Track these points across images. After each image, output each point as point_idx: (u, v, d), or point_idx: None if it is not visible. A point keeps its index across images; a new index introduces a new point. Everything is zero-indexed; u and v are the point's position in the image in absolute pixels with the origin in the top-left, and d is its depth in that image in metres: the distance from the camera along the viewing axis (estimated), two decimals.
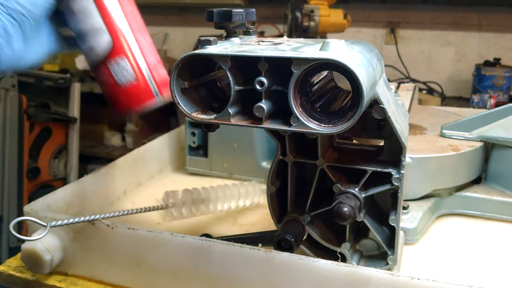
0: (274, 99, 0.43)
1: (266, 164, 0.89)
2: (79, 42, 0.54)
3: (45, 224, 0.51)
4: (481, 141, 0.79)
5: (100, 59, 0.52)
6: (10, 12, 0.44)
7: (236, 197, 0.76)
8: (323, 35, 1.73)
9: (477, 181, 0.81)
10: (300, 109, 0.42)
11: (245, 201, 0.77)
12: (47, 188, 2.23)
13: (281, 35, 2.18)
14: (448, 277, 0.55)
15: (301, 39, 0.51)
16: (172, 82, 0.44)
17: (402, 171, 0.52)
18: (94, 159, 2.66)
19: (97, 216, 0.55)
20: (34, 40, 0.47)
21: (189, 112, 0.45)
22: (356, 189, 0.54)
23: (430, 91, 2.22)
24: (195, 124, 0.93)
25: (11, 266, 0.62)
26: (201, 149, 0.96)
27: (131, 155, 0.87)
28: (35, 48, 0.48)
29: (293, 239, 0.54)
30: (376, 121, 0.54)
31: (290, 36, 1.70)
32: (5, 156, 2.09)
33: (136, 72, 0.54)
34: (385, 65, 0.57)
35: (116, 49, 0.52)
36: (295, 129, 0.42)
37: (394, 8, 2.38)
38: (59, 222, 0.53)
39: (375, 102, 0.46)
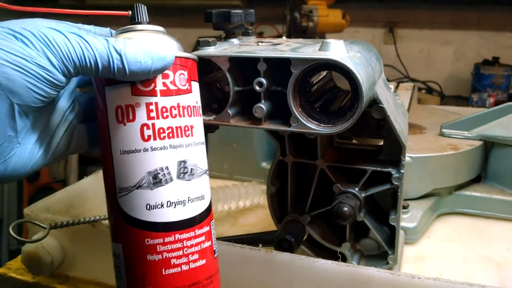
0: (274, 100, 0.43)
1: (266, 165, 0.89)
2: None
3: (45, 226, 0.51)
4: (480, 140, 0.79)
5: None
6: None
7: (236, 197, 0.76)
8: (322, 35, 1.73)
9: (477, 180, 0.81)
10: (300, 109, 0.42)
11: (245, 202, 0.77)
12: (47, 190, 2.23)
13: (280, 36, 2.19)
14: (449, 276, 0.55)
15: (300, 40, 0.51)
16: None
17: (402, 171, 0.52)
18: (93, 161, 2.66)
19: (97, 218, 0.55)
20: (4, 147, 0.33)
21: None
22: (356, 189, 0.54)
23: (429, 90, 2.22)
24: None
25: (12, 268, 0.62)
26: None
27: None
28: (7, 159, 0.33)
29: (293, 239, 0.54)
30: (375, 121, 0.54)
31: (289, 36, 1.70)
32: None
33: None
34: (384, 65, 0.57)
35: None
36: (295, 129, 0.42)
37: (393, 7, 2.38)
38: (59, 224, 0.53)
39: (375, 102, 0.46)
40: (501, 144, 0.77)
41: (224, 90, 0.49)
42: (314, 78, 0.48)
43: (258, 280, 0.51)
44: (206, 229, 0.38)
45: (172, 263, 0.35)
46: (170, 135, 0.36)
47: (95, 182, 0.75)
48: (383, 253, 0.58)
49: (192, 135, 0.37)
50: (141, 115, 0.35)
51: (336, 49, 0.40)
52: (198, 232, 0.37)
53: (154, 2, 2.76)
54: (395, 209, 0.54)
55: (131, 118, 0.35)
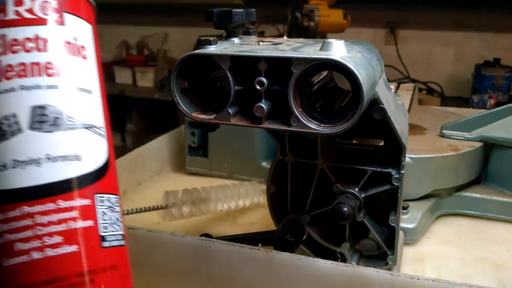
0: (274, 99, 0.43)
1: (266, 164, 0.89)
2: None
3: None
4: (481, 141, 0.79)
5: None
6: None
7: (236, 197, 0.76)
8: (323, 35, 1.73)
9: (477, 181, 0.81)
10: (300, 109, 0.42)
11: (245, 201, 0.77)
12: None
13: (281, 35, 2.18)
14: (448, 277, 0.55)
15: (301, 39, 0.51)
16: (172, 82, 0.44)
17: (402, 171, 0.52)
18: None
19: None
20: None
21: (189, 112, 0.45)
22: (356, 189, 0.54)
23: (430, 91, 2.22)
24: (195, 124, 0.93)
25: None
26: (201, 149, 0.96)
27: (131, 155, 0.87)
28: None
29: (293, 239, 0.54)
30: (376, 121, 0.54)
31: (290, 36, 1.70)
32: None
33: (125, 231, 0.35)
34: (385, 65, 0.57)
35: (111, 174, 0.33)
36: (295, 129, 0.42)
37: (394, 8, 2.38)
38: None
39: (375, 102, 0.46)
40: (502, 145, 0.77)
41: (225, 89, 0.49)
42: (315, 78, 0.48)
43: (257, 279, 0.51)
44: (81, 202, 0.28)
45: (16, 249, 0.26)
46: (22, 73, 0.28)
47: None
48: (382, 254, 0.58)
49: (59, 75, 0.29)
50: None
51: (337, 49, 0.40)
52: (63, 204, 0.27)
53: (155, 1, 2.76)
54: (395, 209, 0.54)
55: None
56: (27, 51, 0.28)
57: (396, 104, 0.55)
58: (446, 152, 0.74)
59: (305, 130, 0.42)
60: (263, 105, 0.42)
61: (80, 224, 0.27)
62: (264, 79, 0.41)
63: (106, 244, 0.29)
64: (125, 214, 0.60)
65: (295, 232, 0.56)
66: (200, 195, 0.71)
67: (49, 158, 0.27)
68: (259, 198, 0.78)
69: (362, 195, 0.54)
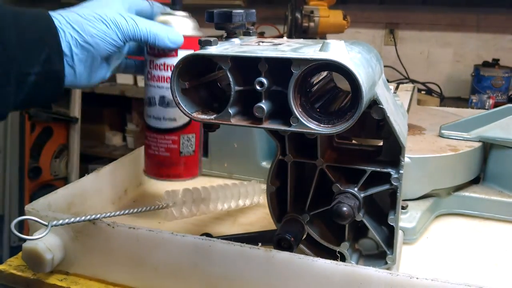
0: (274, 100, 0.44)
1: (266, 164, 0.89)
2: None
3: (46, 223, 0.52)
4: (479, 141, 0.79)
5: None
6: (82, 45, 0.57)
7: (236, 196, 0.76)
8: (322, 36, 1.73)
9: (475, 181, 0.81)
10: (300, 109, 0.42)
11: (245, 201, 0.77)
12: (48, 187, 2.23)
13: (281, 36, 2.19)
14: (447, 276, 0.55)
15: (301, 40, 0.51)
16: (173, 82, 0.44)
17: (401, 171, 0.53)
18: (95, 159, 2.66)
19: (98, 216, 0.56)
20: (93, 69, 0.62)
21: (189, 112, 0.46)
22: (355, 189, 0.54)
23: (429, 91, 2.23)
24: None
25: (12, 265, 0.62)
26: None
27: (132, 154, 0.87)
28: (93, 75, 0.63)
29: (292, 239, 0.54)
30: (375, 122, 0.54)
31: (290, 36, 1.70)
32: (6, 156, 2.09)
33: (196, 149, 0.69)
34: (384, 66, 0.57)
35: (191, 127, 0.67)
36: (295, 129, 0.42)
37: (393, 9, 2.38)
38: (60, 222, 0.53)
39: (374, 103, 0.46)
40: (500, 145, 0.78)
41: (225, 90, 0.49)
42: (314, 79, 0.48)
43: (257, 278, 0.52)
44: (172, 137, 0.69)
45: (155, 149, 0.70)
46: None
47: (96, 179, 0.75)
48: (381, 253, 0.58)
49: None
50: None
51: (337, 50, 0.40)
52: (168, 137, 0.69)
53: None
54: (394, 209, 0.54)
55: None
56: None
57: (395, 104, 0.56)
58: (445, 152, 0.74)
59: (305, 130, 0.42)
60: (263, 106, 0.42)
61: (172, 145, 0.67)
62: (264, 80, 0.42)
63: (182, 154, 0.67)
64: (125, 214, 0.61)
65: (295, 232, 0.56)
66: (200, 195, 0.71)
67: (165, 118, 0.66)
68: (259, 197, 0.78)
69: (362, 195, 0.54)
